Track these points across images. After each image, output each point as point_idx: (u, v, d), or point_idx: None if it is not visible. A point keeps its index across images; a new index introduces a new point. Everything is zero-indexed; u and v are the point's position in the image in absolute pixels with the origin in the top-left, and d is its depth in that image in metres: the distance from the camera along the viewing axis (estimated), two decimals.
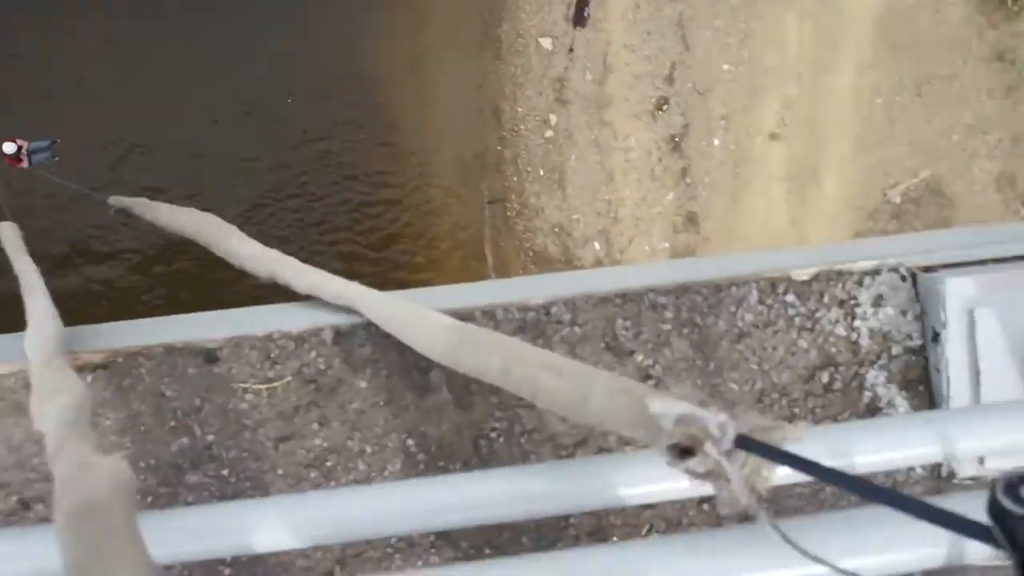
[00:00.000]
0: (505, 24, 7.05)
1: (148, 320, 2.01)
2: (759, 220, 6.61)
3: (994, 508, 0.64)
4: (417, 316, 1.55)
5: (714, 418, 0.91)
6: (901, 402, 1.90)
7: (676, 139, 6.80)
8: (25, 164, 5.43)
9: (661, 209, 6.85)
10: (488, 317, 1.85)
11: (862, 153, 6.69)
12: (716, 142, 6.83)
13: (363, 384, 1.84)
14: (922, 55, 6.25)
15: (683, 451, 0.97)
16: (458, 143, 7.08)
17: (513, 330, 1.85)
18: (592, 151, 6.87)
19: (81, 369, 1.80)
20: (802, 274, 1.89)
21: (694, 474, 0.92)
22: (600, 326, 1.85)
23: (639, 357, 1.85)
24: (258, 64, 6.57)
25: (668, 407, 0.97)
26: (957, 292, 1.84)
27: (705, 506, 1.86)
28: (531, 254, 6.92)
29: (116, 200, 4.76)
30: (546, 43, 6.99)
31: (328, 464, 1.84)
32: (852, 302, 1.89)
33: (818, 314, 1.88)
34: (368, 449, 1.84)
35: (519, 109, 7.01)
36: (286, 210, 6.93)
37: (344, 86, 6.83)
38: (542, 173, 6.93)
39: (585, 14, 6.70)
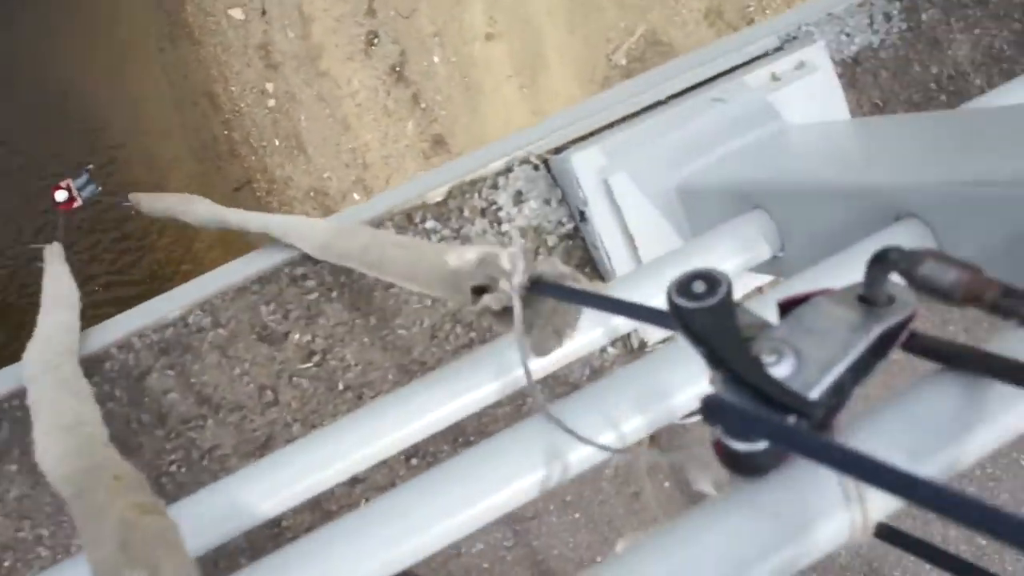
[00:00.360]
0: (188, 6, 6.71)
1: None
2: (502, 121, 6.59)
3: (673, 309, 0.68)
4: (305, 224, 1.71)
5: (505, 252, 0.92)
6: None
7: (397, 69, 6.66)
8: (79, 203, 5.10)
9: (407, 141, 6.72)
10: (126, 350, 1.70)
11: (578, 27, 6.71)
12: (436, 60, 6.72)
13: (14, 468, 1.67)
14: None
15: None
16: (186, 142, 6.76)
17: (156, 354, 1.70)
18: (319, 106, 6.66)
19: None
20: (436, 195, 1.81)
21: (492, 313, 0.94)
22: (245, 319, 1.72)
23: (295, 336, 1.74)
24: None
25: (465, 253, 1.00)
26: (586, 165, 1.80)
27: (413, 461, 1.78)
28: None
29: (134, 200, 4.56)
30: (236, 13, 6.69)
31: (7, 564, 1.68)
32: (494, 207, 1.82)
33: (464, 230, 1.81)
34: (45, 532, 1.68)
35: (233, 88, 6.71)
36: (33, 273, 6.50)
37: (43, 122, 6.39)
38: (278, 143, 6.70)
39: None
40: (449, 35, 6.49)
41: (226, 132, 6.54)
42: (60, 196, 5.47)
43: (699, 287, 0.70)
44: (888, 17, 2.02)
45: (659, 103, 1.92)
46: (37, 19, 6.35)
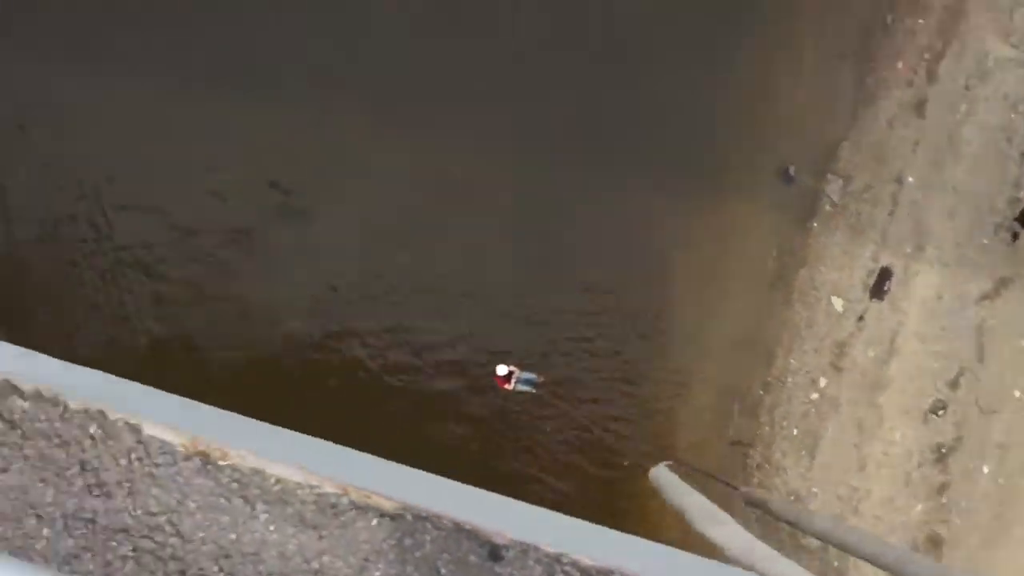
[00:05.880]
0: (802, 271, 7.01)
1: (442, 481, 1.99)
2: (1013, 571, 6.06)
3: None
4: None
5: None
6: None
7: (943, 451, 6.42)
8: (510, 387, 6.81)
9: (905, 518, 6.43)
10: None
11: None
12: (986, 470, 6.39)
13: None
14: None
15: None
16: (719, 375, 6.99)
17: None
18: (853, 430, 6.60)
19: (367, 509, 1.78)
20: None
21: None
22: None
23: None
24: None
25: None
26: None
27: None
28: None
29: (747, 493, 5.40)
30: (838, 304, 6.88)
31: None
32: None
33: None
34: None
35: (792, 361, 6.86)
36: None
37: (627, 294, 7.00)
38: (795, 433, 6.71)
39: (885, 287, 6.55)
40: (1014, 458, 6.14)
41: (760, 392, 6.67)
42: (501, 371, 6.88)
43: None
44: None
45: None
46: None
